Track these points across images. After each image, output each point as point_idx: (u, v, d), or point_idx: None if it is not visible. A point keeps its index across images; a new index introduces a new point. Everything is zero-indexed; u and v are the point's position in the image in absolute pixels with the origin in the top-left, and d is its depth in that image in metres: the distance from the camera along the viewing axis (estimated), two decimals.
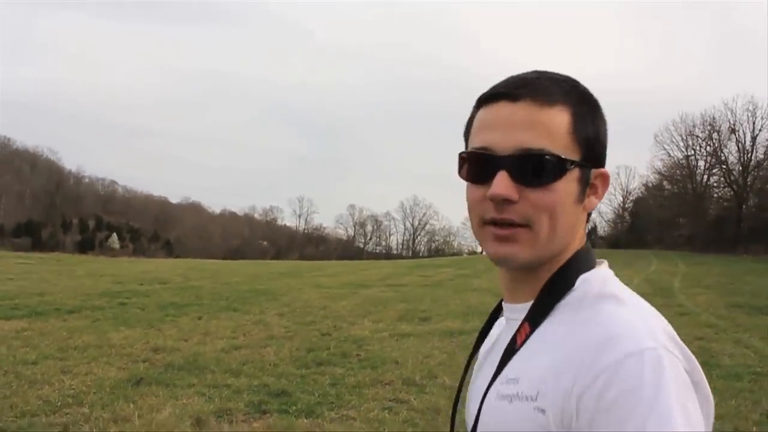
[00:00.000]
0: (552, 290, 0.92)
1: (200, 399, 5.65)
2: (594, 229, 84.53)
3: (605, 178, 0.95)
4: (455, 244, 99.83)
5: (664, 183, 63.59)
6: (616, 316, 0.84)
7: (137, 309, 11.80)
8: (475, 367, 1.10)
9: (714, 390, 0.85)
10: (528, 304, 0.94)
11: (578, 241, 0.96)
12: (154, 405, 5.38)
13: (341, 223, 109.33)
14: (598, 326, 0.83)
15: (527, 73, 0.94)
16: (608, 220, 77.88)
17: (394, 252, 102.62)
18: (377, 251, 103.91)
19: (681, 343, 0.84)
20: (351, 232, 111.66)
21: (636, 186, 71.64)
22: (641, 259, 39.37)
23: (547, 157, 0.87)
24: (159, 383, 6.16)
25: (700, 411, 0.81)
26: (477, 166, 0.91)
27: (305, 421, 5.18)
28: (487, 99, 0.93)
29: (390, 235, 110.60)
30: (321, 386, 6.39)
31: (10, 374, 6.28)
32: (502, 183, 0.87)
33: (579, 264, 0.93)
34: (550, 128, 0.88)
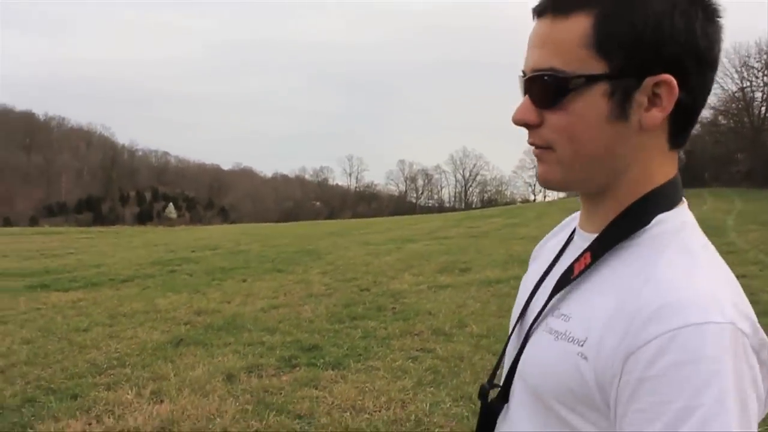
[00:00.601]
0: (622, 224, 0.85)
1: (234, 356, 5.96)
2: None
3: (669, 86, 0.80)
4: (507, 193, 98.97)
5: (720, 118, 61.32)
6: (687, 276, 0.77)
7: (186, 275, 12.29)
8: (530, 261, 1.12)
9: None
10: (594, 235, 0.89)
11: (657, 168, 0.86)
12: (190, 363, 5.71)
13: (392, 179, 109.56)
14: (665, 284, 0.76)
15: None
16: None
17: (447, 205, 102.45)
18: (429, 205, 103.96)
19: (753, 317, 0.77)
20: (402, 187, 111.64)
21: None
22: (695, 198, 38.34)
23: (545, 77, 0.83)
24: (198, 343, 6.51)
25: (756, 401, 0.73)
26: (520, 91, 0.90)
27: (331, 372, 5.42)
28: (533, 13, 0.88)
29: (441, 188, 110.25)
30: (352, 339, 6.63)
31: (63, 341, 6.73)
32: (520, 107, 0.86)
33: (658, 199, 0.85)
34: (558, 43, 0.82)
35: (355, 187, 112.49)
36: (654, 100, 0.81)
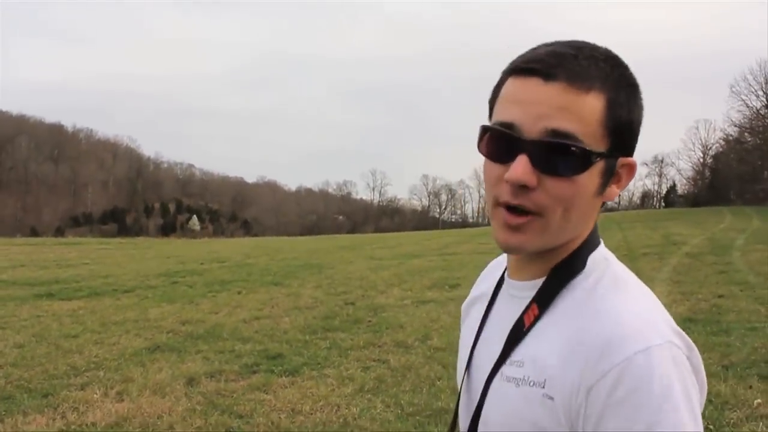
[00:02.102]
0: (562, 272, 0.91)
1: (202, 362, 6.45)
2: (673, 187, 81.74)
3: (631, 168, 0.91)
4: None
5: (746, 135, 60.66)
6: (624, 310, 0.84)
7: (185, 287, 12.86)
8: (461, 318, 1.15)
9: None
10: (533, 283, 0.93)
11: (591, 227, 0.94)
12: (159, 368, 6.21)
13: (415, 194, 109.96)
14: (607, 320, 0.83)
15: (565, 46, 0.87)
16: (687, 178, 75.12)
17: (470, 220, 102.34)
18: (453, 220, 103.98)
19: (680, 330, 0.86)
20: (425, 202, 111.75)
21: (715, 140, 68.67)
22: (715, 216, 38.24)
23: (573, 148, 0.83)
24: (172, 350, 7.02)
25: (699, 401, 0.84)
26: (499, 144, 0.87)
27: (284, 379, 5.88)
28: (521, 71, 0.87)
29: (465, 204, 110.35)
30: (316, 349, 7.08)
31: (52, 346, 7.28)
32: (521, 168, 0.83)
33: (590, 246, 0.93)
34: (582, 116, 0.83)
35: (378, 202, 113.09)
36: (617, 178, 0.91)
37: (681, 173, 78.16)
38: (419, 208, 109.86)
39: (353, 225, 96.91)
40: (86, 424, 4.69)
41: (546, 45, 0.89)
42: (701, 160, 71.87)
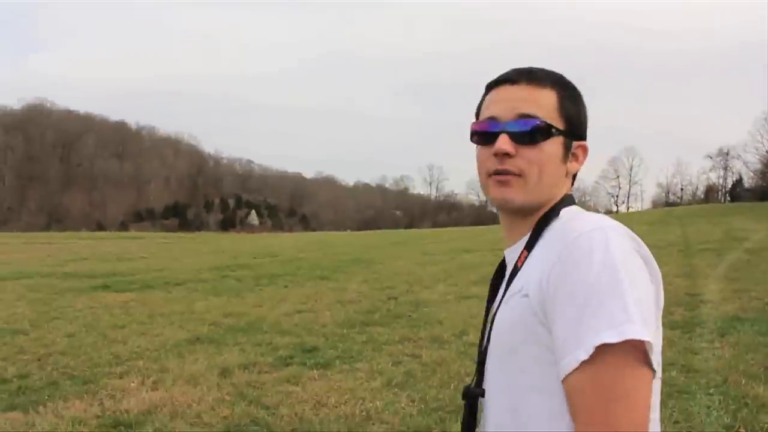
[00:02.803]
0: (542, 223, 1.14)
1: (239, 354, 6.60)
2: (740, 180, 78.63)
3: (584, 150, 1.20)
4: (591, 203, 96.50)
5: None
6: (583, 216, 1.10)
7: (234, 281, 13.16)
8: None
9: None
10: (522, 241, 1.17)
11: (565, 190, 1.19)
12: (196, 359, 6.39)
13: (473, 189, 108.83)
14: (569, 224, 1.07)
15: (525, 67, 1.20)
16: (755, 171, 72.15)
17: None
18: None
19: (632, 233, 1.05)
20: (483, 197, 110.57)
21: None
22: None
23: (537, 122, 1.12)
24: (212, 342, 7.20)
25: (648, 279, 1.01)
26: (485, 132, 1.16)
27: (315, 371, 5.96)
28: (494, 84, 1.20)
29: None
30: (352, 343, 7.15)
31: (99, 336, 7.58)
32: (503, 141, 1.12)
33: (563, 203, 1.17)
34: (541, 103, 1.14)
35: (435, 197, 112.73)
36: (575, 156, 1.19)
37: (748, 166, 75.07)
38: (477, 203, 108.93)
39: (410, 220, 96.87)
40: (120, 411, 4.86)
41: (510, 69, 1.21)
42: None
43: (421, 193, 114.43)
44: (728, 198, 75.53)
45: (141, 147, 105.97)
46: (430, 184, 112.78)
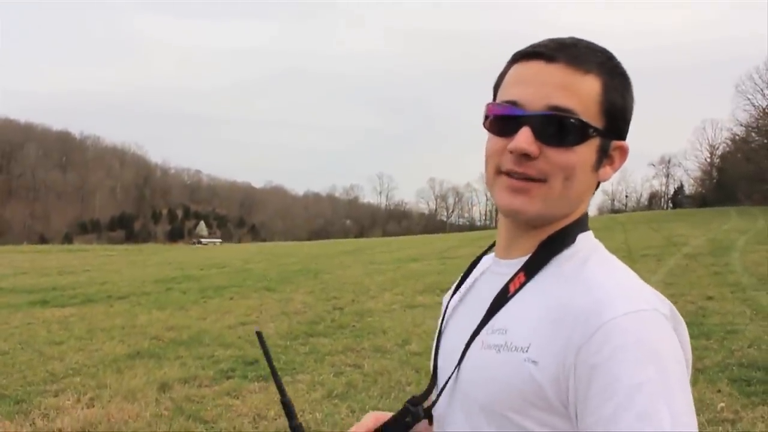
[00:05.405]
0: (552, 245, 0.95)
1: (179, 368, 6.54)
2: (681, 188, 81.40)
3: (623, 152, 0.98)
4: None
5: (752, 134, 60.41)
6: (613, 278, 0.90)
7: (179, 293, 12.97)
8: (446, 317, 1.11)
9: None
10: (520, 260, 0.97)
11: (585, 207, 1.00)
12: (135, 374, 6.31)
13: (422, 197, 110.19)
14: (596, 287, 0.87)
15: (565, 38, 0.95)
16: (695, 178, 74.80)
17: (478, 223, 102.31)
18: (460, 223, 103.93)
19: (671, 305, 0.90)
20: (433, 205, 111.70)
21: (722, 140, 68.46)
22: (721, 217, 38.04)
23: (572, 120, 0.90)
24: (152, 356, 7.11)
25: (685, 367, 0.86)
26: (503, 119, 0.93)
27: (256, 384, 5.96)
28: (523, 56, 0.95)
29: (472, 206, 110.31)
30: (294, 355, 7.16)
31: (35, 353, 7.40)
32: (524, 138, 0.89)
33: (581, 226, 0.98)
34: (581, 94, 0.91)
35: (386, 205, 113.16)
36: (610, 160, 0.98)
37: (688, 173, 77.99)
38: (426, 212, 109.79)
39: (361, 229, 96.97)
40: (53, 430, 4.78)
41: (546, 38, 0.97)
42: (708, 160, 71.68)
43: (371, 202, 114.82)
44: (670, 204, 78.01)
45: (85, 157, 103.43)
46: (380, 193, 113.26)
